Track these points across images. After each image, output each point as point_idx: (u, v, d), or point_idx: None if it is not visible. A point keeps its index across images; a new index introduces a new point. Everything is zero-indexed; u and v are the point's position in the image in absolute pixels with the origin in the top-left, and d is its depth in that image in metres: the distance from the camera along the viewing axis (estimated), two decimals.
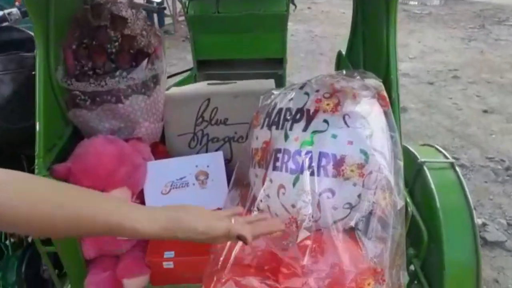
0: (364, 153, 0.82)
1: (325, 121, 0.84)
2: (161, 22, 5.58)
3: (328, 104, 0.86)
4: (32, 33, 1.27)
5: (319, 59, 4.61)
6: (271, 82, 1.39)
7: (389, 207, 0.80)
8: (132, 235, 0.61)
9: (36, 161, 0.95)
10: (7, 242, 1.37)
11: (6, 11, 1.48)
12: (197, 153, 1.27)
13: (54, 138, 1.05)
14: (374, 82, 0.90)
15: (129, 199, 1.07)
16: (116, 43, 1.12)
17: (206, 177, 1.18)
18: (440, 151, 1.30)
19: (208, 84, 1.37)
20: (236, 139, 1.27)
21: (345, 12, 6.56)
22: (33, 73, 1.08)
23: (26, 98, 1.11)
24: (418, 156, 1.20)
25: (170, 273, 1.05)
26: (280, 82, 1.98)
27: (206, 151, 1.28)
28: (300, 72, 4.03)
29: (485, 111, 3.41)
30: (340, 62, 1.47)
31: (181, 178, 1.17)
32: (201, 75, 2.07)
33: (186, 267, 1.05)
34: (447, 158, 1.25)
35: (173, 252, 1.05)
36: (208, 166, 1.18)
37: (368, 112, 0.85)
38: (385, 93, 0.89)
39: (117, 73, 1.08)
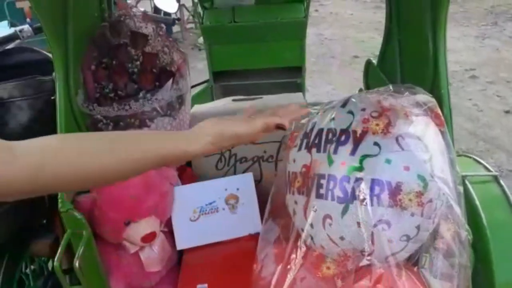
0: (422, 179, 0.74)
1: (376, 144, 0.76)
2: (169, 31, 5.55)
3: (377, 125, 0.78)
4: (46, 54, 1.21)
5: (331, 63, 4.53)
6: (299, 96, 1.31)
7: (454, 239, 0.72)
8: (184, 158, 0.67)
9: (59, 195, 0.89)
10: (27, 270, 1.31)
11: (18, 28, 1.42)
12: (225, 174, 1.20)
13: None
14: (425, 98, 0.82)
15: (158, 228, 1.00)
16: (138, 62, 1.05)
17: (236, 201, 1.11)
18: (480, 163, 1.21)
19: (233, 100, 1.30)
20: (265, 159, 1.20)
21: (353, 14, 6.48)
22: (52, 98, 1.02)
23: (45, 124, 1.05)
24: (458, 170, 1.12)
25: None
26: (299, 92, 1.90)
27: (234, 172, 1.21)
28: (312, 77, 3.95)
29: (507, 112, 3.30)
30: (369, 72, 1.39)
31: (210, 203, 1.10)
32: (217, 87, 2.00)
33: None
34: (489, 170, 1.17)
35: (206, 285, 0.97)
36: (238, 189, 1.11)
37: (424, 132, 0.77)
38: (439, 111, 0.81)
39: (141, 95, 1.01)
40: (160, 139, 0.64)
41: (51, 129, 0.93)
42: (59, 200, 0.88)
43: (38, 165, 0.51)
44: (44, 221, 1.22)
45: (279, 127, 0.77)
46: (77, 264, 0.84)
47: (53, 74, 1.05)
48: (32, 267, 1.34)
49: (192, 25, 5.76)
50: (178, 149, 0.64)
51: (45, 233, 1.23)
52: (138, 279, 1.02)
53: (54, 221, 1.20)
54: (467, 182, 1.09)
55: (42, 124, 1.05)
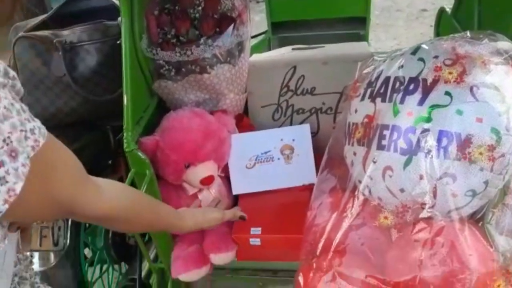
0: (496, 132, 0.68)
1: (448, 93, 0.71)
2: None
3: (450, 73, 0.72)
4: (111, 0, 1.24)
5: (396, 16, 4.24)
6: (364, 46, 1.25)
7: None
8: (177, 230, 0.95)
9: (124, 134, 0.93)
10: None
11: None
12: (281, 125, 1.20)
13: (140, 110, 1.02)
14: (507, 45, 0.75)
15: (215, 172, 1.04)
16: (199, 7, 1.05)
17: (292, 152, 1.11)
18: None
19: (293, 49, 1.27)
20: (324, 111, 1.17)
21: None
22: (118, 42, 1.05)
23: (111, 69, 1.09)
24: None
25: (256, 250, 1.01)
26: None
27: (291, 124, 1.20)
28: (375, 30, 3.74)
29: None
30: (441, 22, 1.29)
31: (265, 152, 1.11)
32: (275, 38, 1.95)
33: (272, 244, 1.01)
34: None
35: (260, 229, 1.00)
36: (293, 140, 1.10)
37: (502, 82, 0.70)
38: None
39: (202, 40, 1.01)
40: (171, 214, 0.81)
41: (117, 74, 0.97)
42: (125, 141, 0.93)
43: (126, 208, 0.65)
44: (110, 162, 1.30)
45: (242, 218, 1.00)
46: None
47: (119, 19, 1.07)
48: None
49: None
50: (177, 223, 0.82)
51: (110, 174, 1.31)
52: None
53: (119, 162, 1.28)
54: None
55: (109, 68, 1.10)
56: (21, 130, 0.43)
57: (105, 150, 1.24)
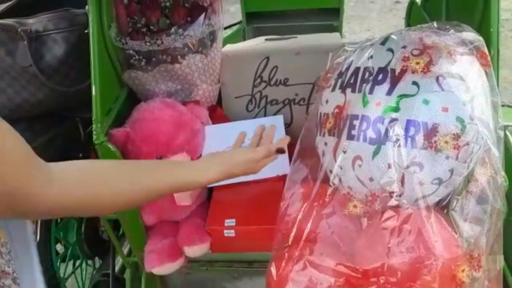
0: (461, 121, 0.70)
1: (415, 83, 0.73)
2: None
3: (418, 63, 0.74)
4: None
5: (370, 8, 4.29)
6: (336, 36, 1.26)
7: (489, 184, 0.69)
8: (197, 186, 0.75)
9: (93, 126, 0.91)
10: None
11: None
12: (255, 116, 1.20)
13: (110, 101, 1.00)
14: (472, 36, 0.76)
15: None
16: None
17: None
18: None
19: (266, 40, 1.26)
20: (297, 102, 1.18)
21: None
22: (85, 31, 1.02)
23: (79, 59, 1.06)
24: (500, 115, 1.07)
25: (230, 241, 1.02)
26: None
27: (265, 115, 1.20)
28: (350, 22, 3.77)
29: None
30: (412, 13, 1.30)
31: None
32: (250, 29, 1.94)
33: (247, 235, 1.01)
34: None
35: (234, 220, 1.00)
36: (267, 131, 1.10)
37: (467, 72, 0.72)
38: (485, 50, 0.75)
39: (173, 30, 0.99)
40: (174, 170, 0.70)
41: (85, 64, 0.94)
42: (94, 133, 0.91)
43: (74, 183, 0.56)
44: (81, 155, 1.27)
45: (279, 151, 0.88)
46: None
47: (86, 7, 1.04)
48: None
49: None
50: (191, 180, 0.71)
51: None
52: (169, 213, 1.06)
53: (90, 155, 1.25)
54: (507, 133, 1.04)
55: (76, 58, 1.06)
56: None
57: (74, 142, 1.20)
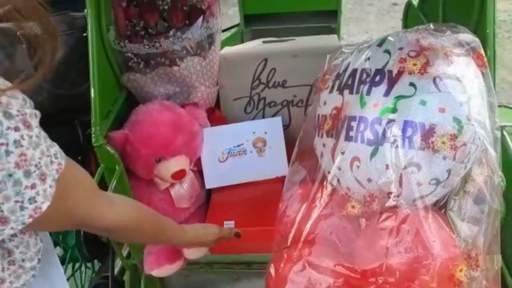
0: (458, 121, 0.71)
1: (412, 84, 0.73)
2: None
3: (414, 64, 0.74)
4: None
5: (368, 10, 4.30)
6: (334, 38, 1.26)
7: (486, 184, 0.70)
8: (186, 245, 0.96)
9: (92, 129, 0.91)
10: None
11: None
12: (254, 118, 1.20)
13: (108, 104, 1.00)
14: (468, 37, 0.77)
15: (187, 166, 1.03)
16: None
17: (264, 145, 1.11)
18: None
19: (264, 42, 1.27)
20: (295, 103, 1.18)
21: None
22: (84, 34, 1.02)
23: (78, 62, 1.06)
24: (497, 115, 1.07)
25: (229, 243, 1.02)
26: None
27: (263, 116, 1.20)
28: (348, 24, 3.78)
29: None
30: (409, 15, 1.31)
31: (238, 145, 1.11)
32: (248, 31, 1.95)
33: (246, 237, 1.01)
34: None
35: (233, 222, 1.01)
36: (266, 133, 1.11)
37: (463, 73, 0.72)
38: (482, 51, 0.76)
39: (171, 33, 1.00)
40: (185, 233, 0.85)
41: (84, 67, 0.95)
42: (93, 135, 0.91)
43: (130, 207, 0.70)
44: (80, 158, 1.27)
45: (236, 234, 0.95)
46: None
47: (85, 10, 1.04)
48: None
49: None
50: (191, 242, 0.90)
51: None
52: (168, 215, 1.05)
53: (89, 158, 1.25)
54: (505, 133, 1.04)
55: (76, 61, 1.07)
56: (48, 155, 0.48)
57: (73, 145, 1.21)
